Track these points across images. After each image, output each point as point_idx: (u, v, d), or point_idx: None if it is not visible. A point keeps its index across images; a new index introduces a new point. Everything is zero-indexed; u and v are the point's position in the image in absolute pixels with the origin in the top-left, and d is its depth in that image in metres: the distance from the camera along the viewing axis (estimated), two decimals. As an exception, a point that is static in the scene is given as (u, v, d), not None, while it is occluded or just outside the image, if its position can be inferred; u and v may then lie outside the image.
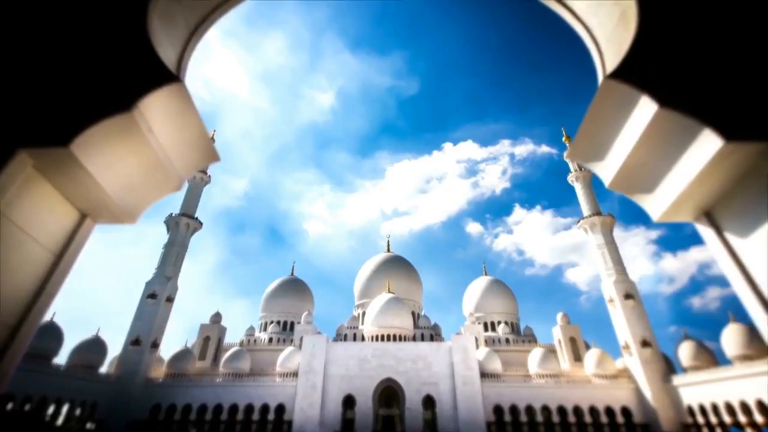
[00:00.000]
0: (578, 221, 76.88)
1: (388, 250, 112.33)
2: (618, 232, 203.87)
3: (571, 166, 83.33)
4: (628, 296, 65.67)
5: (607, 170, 2.73)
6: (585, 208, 77.59)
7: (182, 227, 77.01)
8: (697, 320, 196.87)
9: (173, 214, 78.10)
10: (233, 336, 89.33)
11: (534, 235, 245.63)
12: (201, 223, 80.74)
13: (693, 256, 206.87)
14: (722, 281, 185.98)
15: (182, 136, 2.70)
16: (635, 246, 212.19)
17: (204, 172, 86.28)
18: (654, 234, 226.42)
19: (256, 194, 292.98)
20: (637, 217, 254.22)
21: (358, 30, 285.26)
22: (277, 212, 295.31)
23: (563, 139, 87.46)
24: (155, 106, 2.49)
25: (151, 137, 2.53)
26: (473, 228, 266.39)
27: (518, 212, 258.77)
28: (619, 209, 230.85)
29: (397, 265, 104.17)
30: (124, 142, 2.50)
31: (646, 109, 2.41)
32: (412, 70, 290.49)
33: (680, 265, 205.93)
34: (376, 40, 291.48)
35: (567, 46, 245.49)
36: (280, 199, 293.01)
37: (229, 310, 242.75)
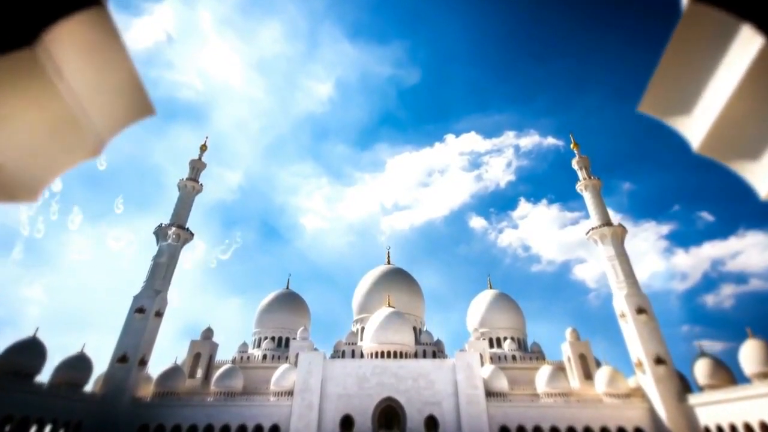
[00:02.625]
0: (587, 232, 76.27)
1: (389, 262, 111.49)
2: (627, 227, 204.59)
3: (580, 174, 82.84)
4: (640, 311, 64.83)
5: (694, 128, 2.08)
6: (594, 218, 76.97)
7: (172, 238, 76.37)
8: (711, 319, 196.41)
9: (163, 225, 77.49)
10: (225, 350, 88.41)
11: (540, 230, 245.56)
12: (192, 234, 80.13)
13: (706, 251, 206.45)
14: (737, 278, 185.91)
15: (104, 82, 2.05)
16: (645, 242, 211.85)
17: (195, 180, 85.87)
18: (665, 229, 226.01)
19: (250, 187, 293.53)
20: (648, 211, 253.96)
21: (356, 18, 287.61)
22: (272, 206, 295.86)
23: (572, 146, 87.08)
24: (67, 40, 1.85)
25: (61, 83, 1.89)
26: (477, 222, 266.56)
27: (524, 206, 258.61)
28: (628, 202, 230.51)
29: (397, 277, 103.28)
30: (23, 89, 1.86)
31: (747, 43, 1.78)
32: (412, 60, 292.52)
33: (693, 261, 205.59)
34: (376, 28, 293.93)
35: (572, 34, 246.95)
36: (275, 192, 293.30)
37: (221, 309, 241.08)
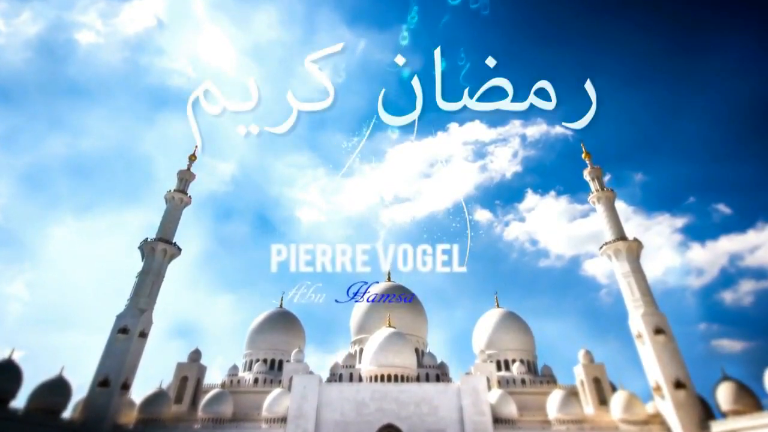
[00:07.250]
0: (601, 247, 76.57)
1: (389, 279, 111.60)
2: (640, 220, 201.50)
3: (592, 186, 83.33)
4: (658, 331, 64.89)
5: None
6: (608, 232, 77.28)
7: (158, 254, 76.56)
8: (729, 317, 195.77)
9: (149, 239, 77.78)
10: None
11: (548, 223, 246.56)
12: (180, 249, 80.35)
13: (723, 246, 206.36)
14: (756, 274, 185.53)
15: None
16: (659, 235, 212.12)
17: (184, 192, 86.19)
18: (680, 222, 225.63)
19: (244, 179, 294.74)
20: (661, 204, 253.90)
21: (356, 2, 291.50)
22: (267, 198, 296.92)
23: (582, 155, 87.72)
24: None
25: None
26: (482, 215, 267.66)
27: (531, 198, 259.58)
28: (640, 194, 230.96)
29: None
30: None
31: None
32: (414, 46, 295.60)
33: (709, 256, 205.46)
34: (376, 12, 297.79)
35: (579, 20, 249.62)
36: (270, 184, 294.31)
37: (212, 307, 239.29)
